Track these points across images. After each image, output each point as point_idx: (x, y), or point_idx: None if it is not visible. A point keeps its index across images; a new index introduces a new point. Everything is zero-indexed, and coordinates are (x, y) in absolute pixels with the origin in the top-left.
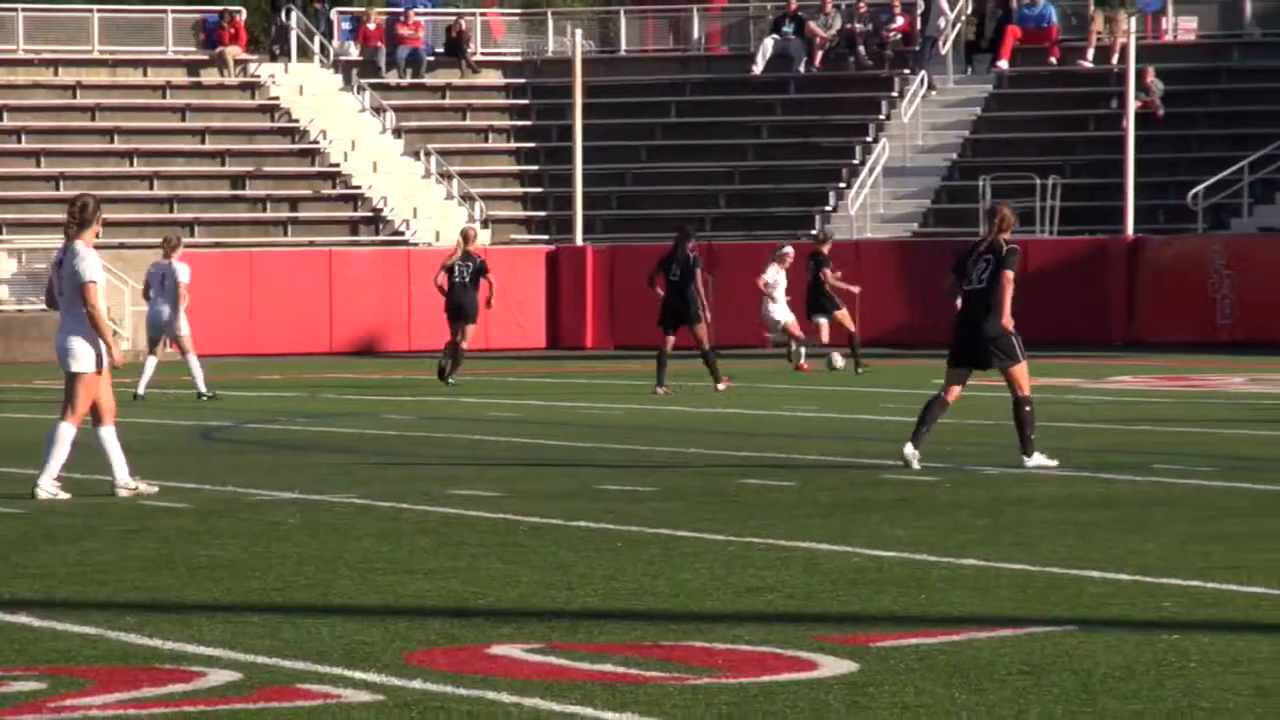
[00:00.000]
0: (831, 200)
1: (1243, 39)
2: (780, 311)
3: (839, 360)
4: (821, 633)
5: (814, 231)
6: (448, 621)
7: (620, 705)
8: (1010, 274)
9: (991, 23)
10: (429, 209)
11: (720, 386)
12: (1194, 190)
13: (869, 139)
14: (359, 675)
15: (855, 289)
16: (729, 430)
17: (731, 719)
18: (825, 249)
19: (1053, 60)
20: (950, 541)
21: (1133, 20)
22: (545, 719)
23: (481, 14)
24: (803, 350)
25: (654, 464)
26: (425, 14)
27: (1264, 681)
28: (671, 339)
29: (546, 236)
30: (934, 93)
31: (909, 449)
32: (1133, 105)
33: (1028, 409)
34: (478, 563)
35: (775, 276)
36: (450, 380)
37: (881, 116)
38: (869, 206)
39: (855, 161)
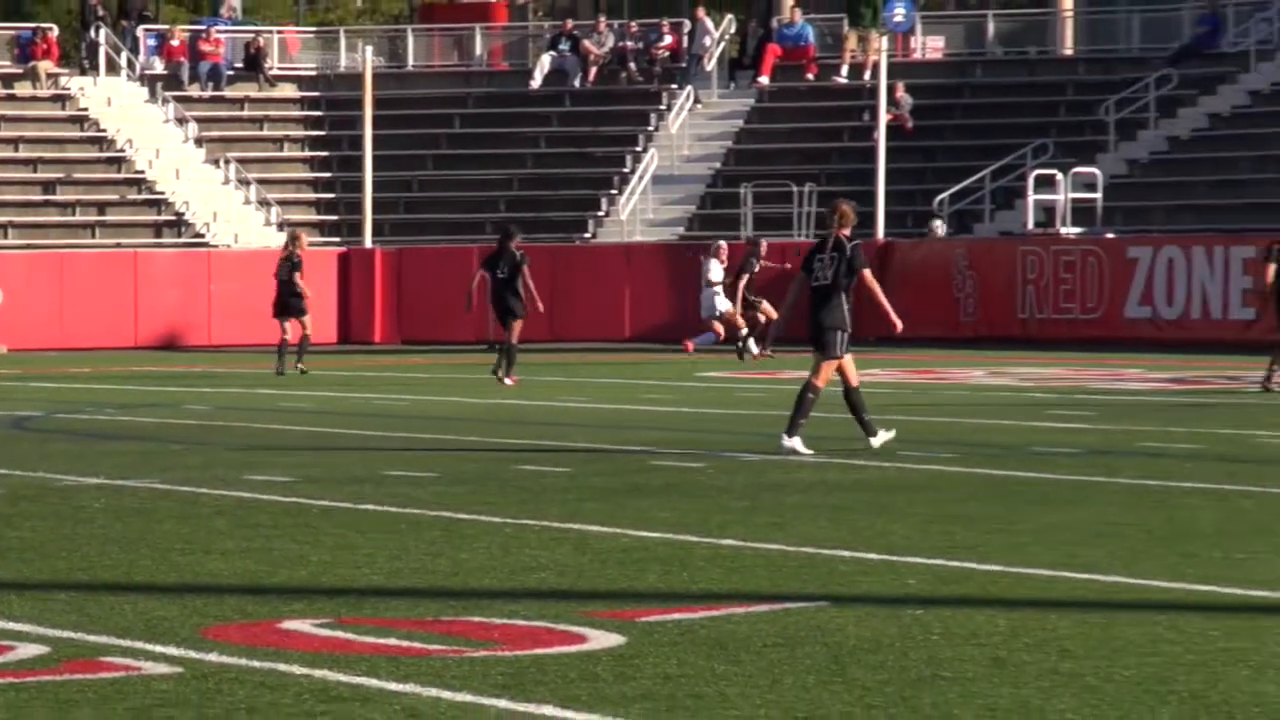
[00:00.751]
0: (604, 206)
1: (986, 57)
2: (721, 303)
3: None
4: (591, 608)
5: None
6: (242, 598)
7: (403, 677)
8: (868, 272)
9: (753, 41)
10: (228, 214)
11: (509, 381)
12: (939, 197)
13: (639, 149)
14: (159, 649)
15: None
16: (508, 420)
17: (507, 689)
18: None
19: (810, 76)
20: (711, 523)
21: (884, 39)
22: (333, 689)
23: (278, 31)
24: (750, 342)
25: (436, 451)
26: (226, 31)
27: (1000, 653)
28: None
29: (338, 239)
30: (700, 106)
31: (793, 440)
32: (884, 118)
33: (811, 397)
34: (271, 543)
35: (717, 273)
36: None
37: (651, 128)
38: (639, 212)
39: (626, 170)
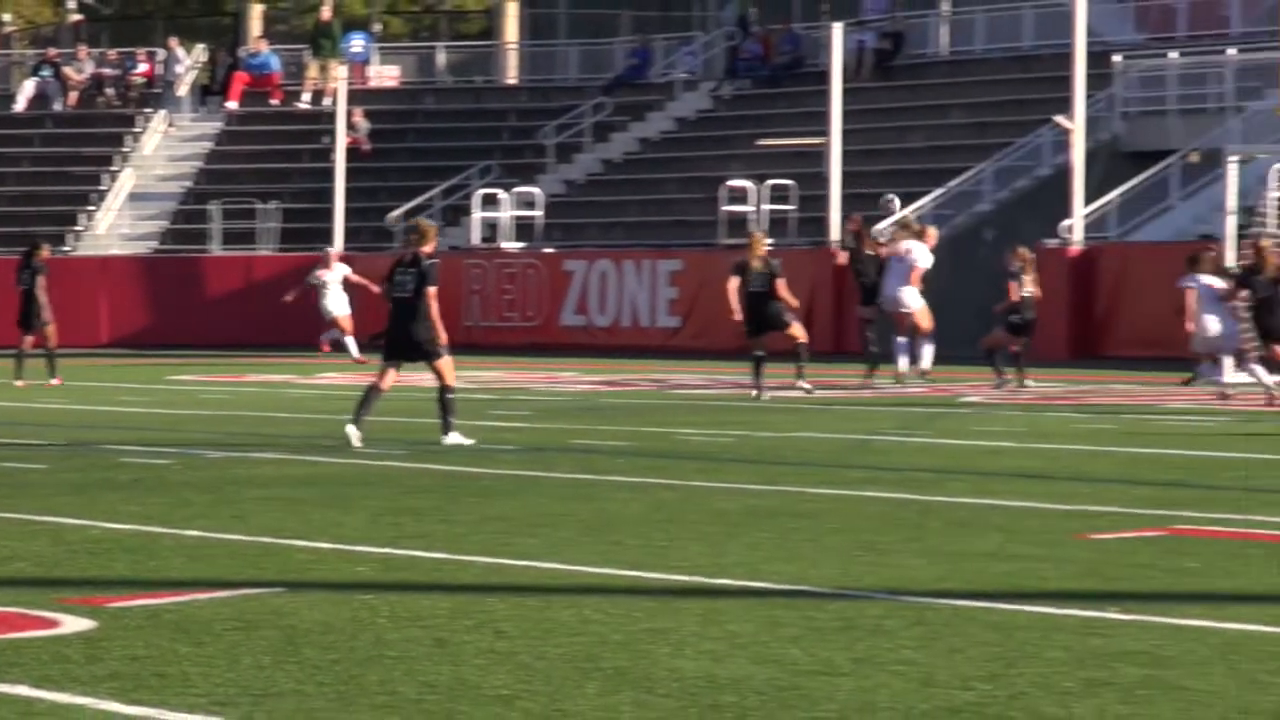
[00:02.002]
0: (83, 221)
1: (436, 85)
2: (335, 305)
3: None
4: (64, 595)
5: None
6: None
7: None
8: (434, 289)
9: (223, 69)
10: None
11: (53, 381)
12: (392, 214)
13: (115, 168)
14: None
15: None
16: None
17: None
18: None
19: (275, 101)
20: (177, 515)
21: (343, 68)
22: None
23: None
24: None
25: None
26: None
27: (442, 634)
28: (29, 339)
29: None
30: (173, 129)
31: (351, 429)
32: (342, 140)
33: (450, 396)
34: None
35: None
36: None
37: (127, 149)
38: (115, 227)
39: (103, 188)
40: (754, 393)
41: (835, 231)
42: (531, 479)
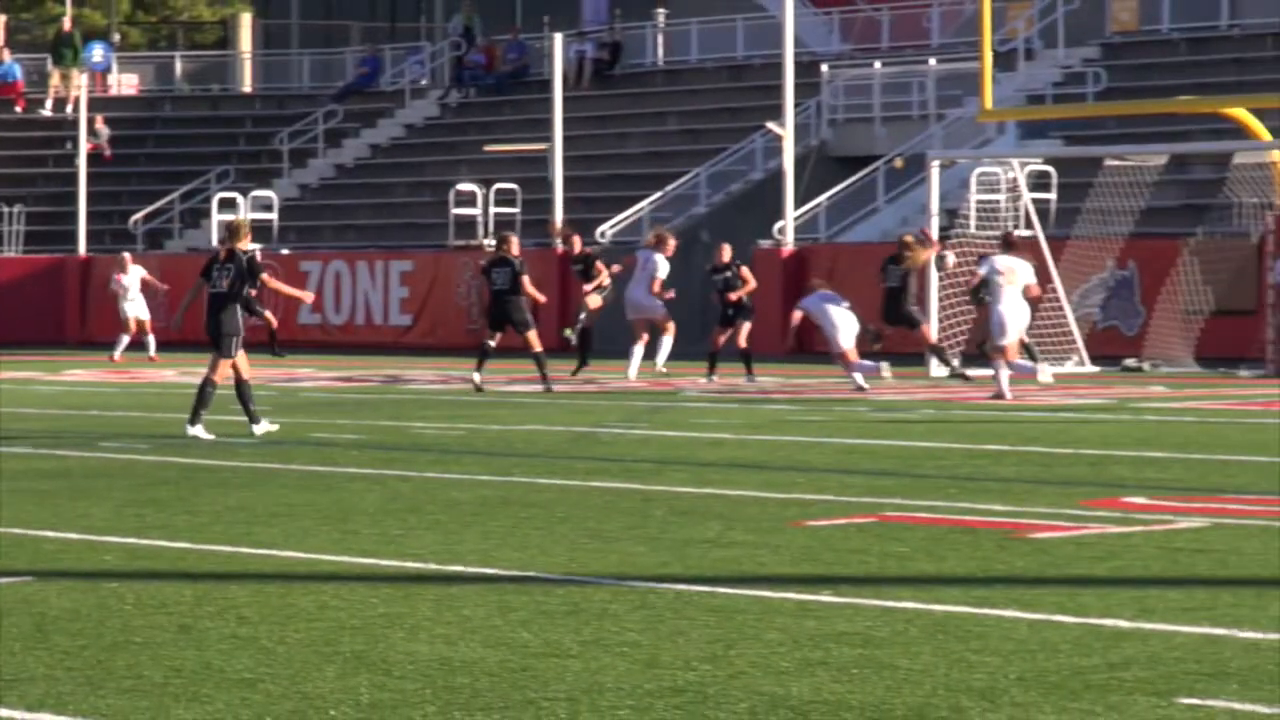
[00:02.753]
0: None
1: (174, 93)
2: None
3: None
4: None
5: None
6: None
7: None
8: (268, 275)
9: None
10: None
11: None
12: (134, 217)
13: None
14: None
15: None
16: None
17: None
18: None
19: (18, 109)
20: None
21: (84, 76)
22: None
23: None
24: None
25: None
26: None
27: (186, 620)
28: None
29: None
30: None
31: (191, 428)
32: (84, 147)
33: (210, 390)
34: None
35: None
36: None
37: None
38: None
39: None
40: (476, 377)
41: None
42: (270, 471)
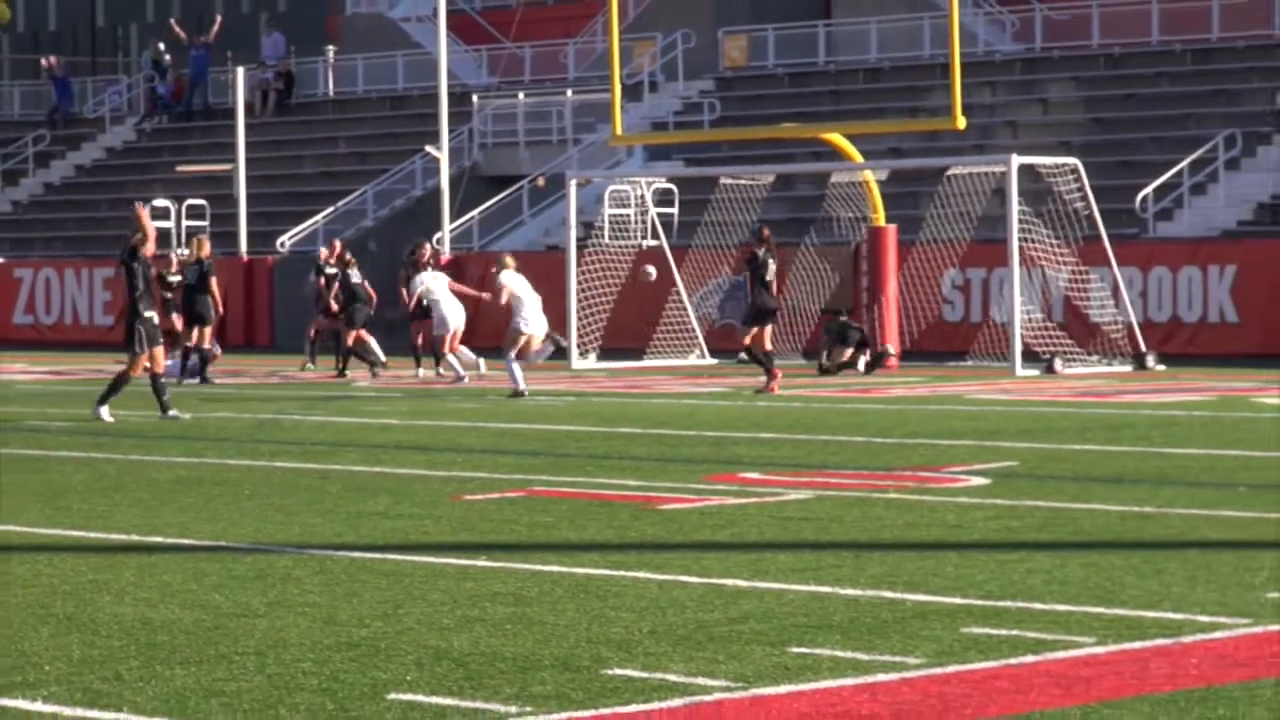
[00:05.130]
0: None
1: None
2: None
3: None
4: None
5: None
6: None
7: None
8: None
9: None
10: None
11: None
12: None
13: None
14: None
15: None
16: None
17: None
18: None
19: None
20: None
21: None
22: None
23: None
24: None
25: None
26: None
27: None
28: None
29: None
30: None
31: (100, 409)
32: None
33: (125, 381)
34: None
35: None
36: None
37: None
38: None
39: None
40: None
41: (244, 244)
42: None
